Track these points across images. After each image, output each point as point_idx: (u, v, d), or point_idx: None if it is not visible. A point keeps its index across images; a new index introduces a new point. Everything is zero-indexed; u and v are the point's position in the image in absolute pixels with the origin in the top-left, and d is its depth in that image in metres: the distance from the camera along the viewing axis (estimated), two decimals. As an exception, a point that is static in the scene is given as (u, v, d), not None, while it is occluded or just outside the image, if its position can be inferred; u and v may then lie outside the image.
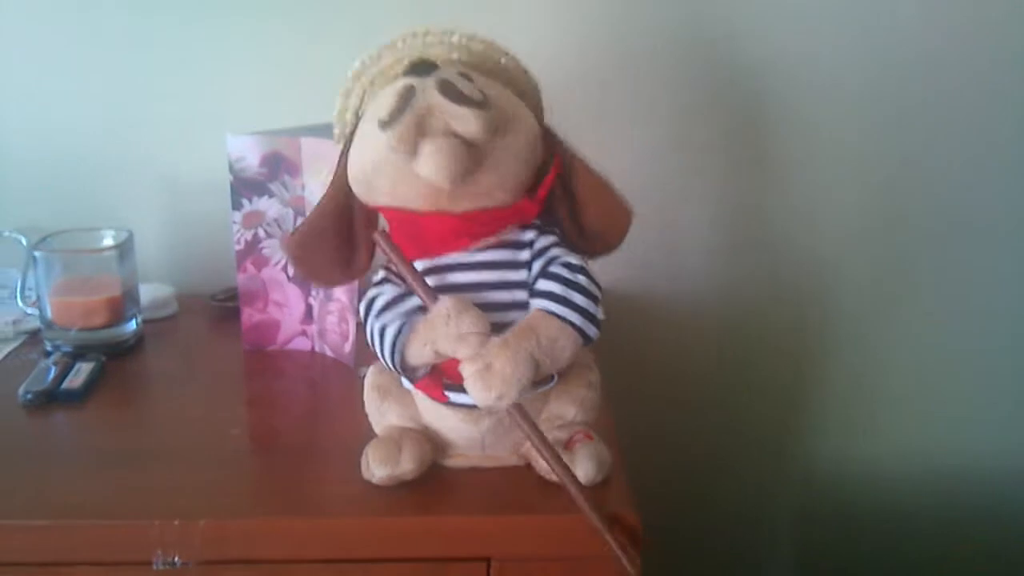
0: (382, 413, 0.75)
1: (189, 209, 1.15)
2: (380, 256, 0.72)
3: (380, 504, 0.69)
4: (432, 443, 0.73)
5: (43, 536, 0.67)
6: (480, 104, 0.65)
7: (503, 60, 0.73)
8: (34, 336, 1.01)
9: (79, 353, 0.93)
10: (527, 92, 0.75)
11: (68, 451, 0.79)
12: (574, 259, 0.70)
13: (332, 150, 0.88)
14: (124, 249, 0.97)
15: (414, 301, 0.69)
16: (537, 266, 0.71)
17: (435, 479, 0.72)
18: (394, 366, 0.69)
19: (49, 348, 0.96)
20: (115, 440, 0.80)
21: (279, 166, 0.92)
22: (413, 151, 0.65)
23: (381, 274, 0.72)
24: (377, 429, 0.75)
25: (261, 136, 0.92)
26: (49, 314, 0.96)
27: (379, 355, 0.70)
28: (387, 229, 0.72)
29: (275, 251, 0.96)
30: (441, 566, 0.69)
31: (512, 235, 0.71)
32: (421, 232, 0.70)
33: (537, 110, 0.75)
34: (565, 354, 0.68)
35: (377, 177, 0.69)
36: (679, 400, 1.25)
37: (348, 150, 0.72)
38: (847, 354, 1.25)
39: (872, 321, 1.23)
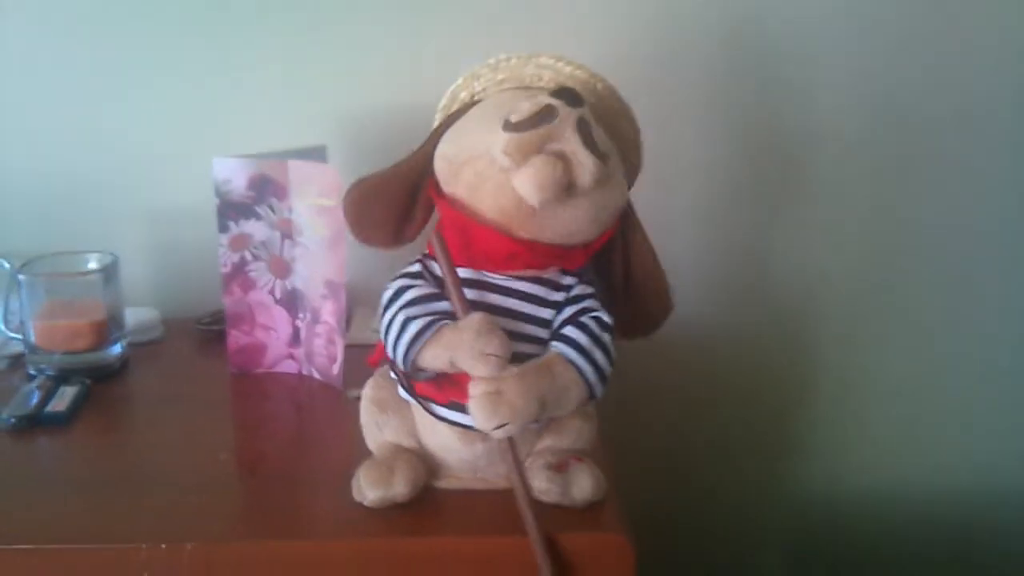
0: (379, 427, 0.74)
1: (175, 233, 1.15)
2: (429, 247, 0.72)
3: (372, 526, 0.69)
4: (425, 465, 0.73)
5: (28, 561, 0.66)
6: (605, 156, 0.66)
7: (625, 123, 0.75)
8: (18, 360, 1.00)
9: (63, 377, 0.92)
10: (630, 153, 0.76)
11: (52, 475, 0.78)
12: (606, 317, 0.71)
13: (319, 172, 0.89)
14: (109, 273, 0.97)
15: (445, 305, 0.69)
16: (568, 311, 0.71)
17: (427, 501, 0.71)
18: (404, 360, 0.68)
19: (33, 372, 0.95)
20: (100, 464, 0.80)
21: (266, 189, 0.92)
22: (517, 164, 0.65)
23: (417, 267, 0.72)
24: (372, 445, 0.75)
25: (248, 159, 0.92)
26: (33, 338, 0.95)
27: (391, 345, 0.69)
28: (438, 226, 0.72)
29: (262, 274, 0.95)
30: (432, 588, 0.68)
31: (553, 275, 0.72)
32: (473, 241, 0.70)
33: (630, 171, 0.77)
34: (570, 405, 0.69)
35: (466, 168, 0.68)
36: (669, 421, 1.25)
37: (447, 127, 0.72)
38: (839, 372, 1.25)
39: (863, 338, 1.24)
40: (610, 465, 0.75)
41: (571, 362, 0.68)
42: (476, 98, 0.74)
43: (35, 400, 0.87)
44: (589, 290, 0.72)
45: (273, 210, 0.93)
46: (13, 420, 0.84)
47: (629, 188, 0.76)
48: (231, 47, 1.11)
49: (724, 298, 1.22)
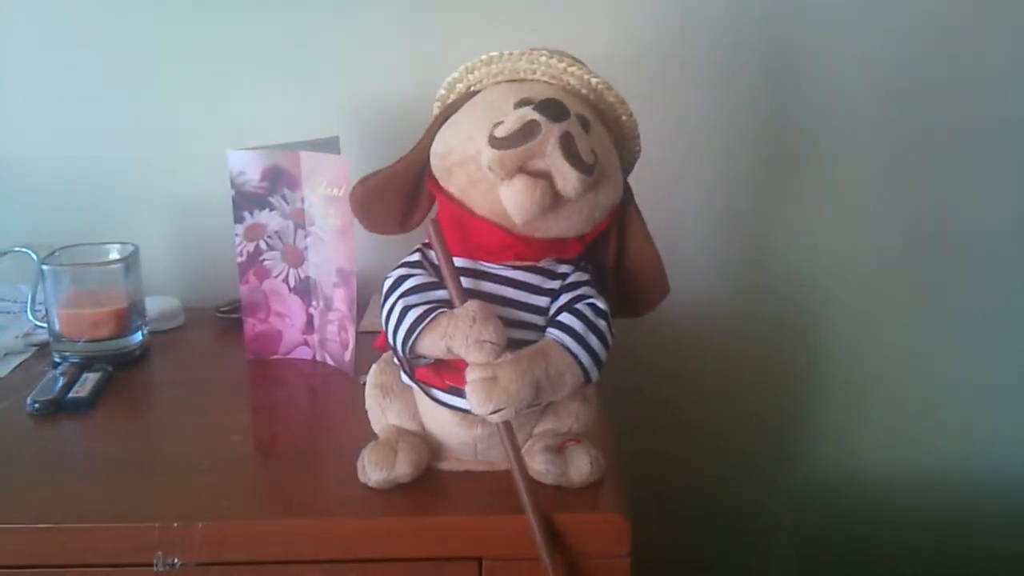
0: (383, 410, 0.76)
1: (195, 223, 1.18)
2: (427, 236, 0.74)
3: (375, 506, 0.71)
4: (427, 447, 0.75)
5: (45, 539, 0.69)
6: (589, 169, 0.67)
7: (624, 117, 0.75)
8: (44, 349, 1.03)
9: (86, 364, 0.96)
10: (627, 142, 0.77)
11: (73, 458, 0.81)
12: (601, 303, 0.72)
13: (330, 163, 0.91)
14: (130, 263, 1.00)
15: (443, 293, 0.71)
16: (564, 298, 0.72)
17: (429, 481, 0.73)
18: (403, 347, 0.70)
19: (57, 359, 0.98)
20: (119, 447, 0.82)
21: (279, 180, 0.95)
22: (504, 178, 0.67)
23: (416, 256, 0.74)
24: (376, 428, 0.77)
25: (261, 151, 0.94)
26: (57, 326, 0.98)
27: (390, 332, 0.71)
28: (437, 215, 0.74)
29: (276, 263, 0.98)
30: (434, 566, 0.70)
31: (549, 264, 0.73)
32: (469, 232, 0.71)
33: (629, 162, 0.78)
34: (566, 389, 0.70)
35: (458, 168, 0.70)
36: (676, 410, 1.26)
37: (444, 120, 0.74)
38: (843, 363, 1.26)
39: (868, 330, 1.24)
40: (610, 447, 0.77)
41: (566, 348, 0.70)
42: (473, 88, 0.75)
43: (59, 386, 0.90)
44: (584, 277, 0.74)
45: (286, 200, 0.95)
46: (37, 405, 0.87)
47: (628, 174, 0.77)
48: (249, 40, 1.14)
49: (732, 287, 1.23)
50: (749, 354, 1.25)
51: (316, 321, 0.99)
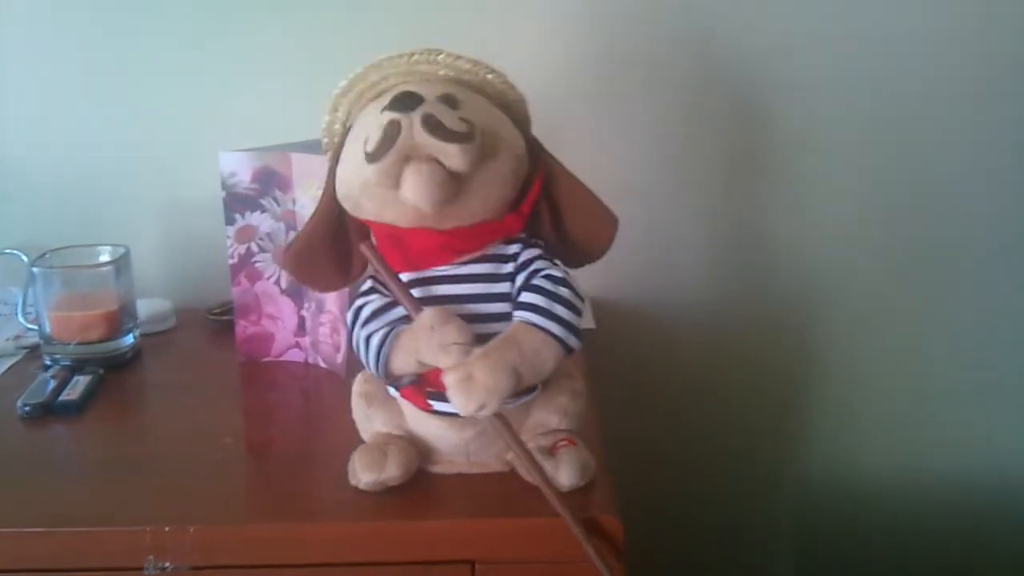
0: (368, 419, 0.76)
1: (186, 225, 1.17)
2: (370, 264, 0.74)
3: (366, 509, 0.71)
4: (417, 449, 0.74)
5: (35, 543, 0.69)
6: (465, 137, 0.66)
7: (489, 76, 0.73)
8: (34, 351, 1.03)
9: (77, 366, 0.95)
10: (513, 105, 0.75)
11: (64, 461, 0.81)
12: (557, 271, 0.72)
13: (322, 165, 0.91)
14: (120, 265, 0.99)
15: (400, 311, 0.71)
16: (521, 278, 0.72)
17: (420, 484, 0.73)
18: (379, 374, 0.70)
19: (48, 362, 0.98)
20: (110, 450, 0.82)
21: (270, 181, 0.94)
22: (396, 185, 0.67)
23: (368, 284, 0.74)
24: (364, 435, 0.77)
25: (252, 152, 0.94)
26: (48, 329, 0.98)
27: (365, 363, 0.71)
28: (375, 241, 0.74)
29: (268, 265, 0.98)
30: (426, 569, 0.70)
31: (497, 248, 0.73)
32: (406, 246, 0.71)
33: (523, 122, 0.76)
34: (547, 366, 0.69)
35: (363, 199, 0.70)
36: (671, 409, 1.26)
37: (337, 163, 0.73)
38: (839, 363, 1.25)
39: (864, 329, 1.24)
40: (603, 449, 0.77)
41: (533, 325, 0.69)
42: (349, 124, 0.75)
43: (49, 389, 0.90)
44: (535, 252, 0.73)
45: (278, 202, 0.95)
46: (28, 408, 0.87)
47: (528, 128, 0.76)
48: (241, 41, 1.14)
49: (726, 289, 1.22)
50: (744, 356, 1.25)
51: (308, 323, 0.99)
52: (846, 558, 1.34)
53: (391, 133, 0.66)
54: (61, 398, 0.89)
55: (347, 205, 0.73)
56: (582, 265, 0.76)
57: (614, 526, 0.69)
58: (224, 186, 0.94)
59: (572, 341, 0.70)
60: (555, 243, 0.75)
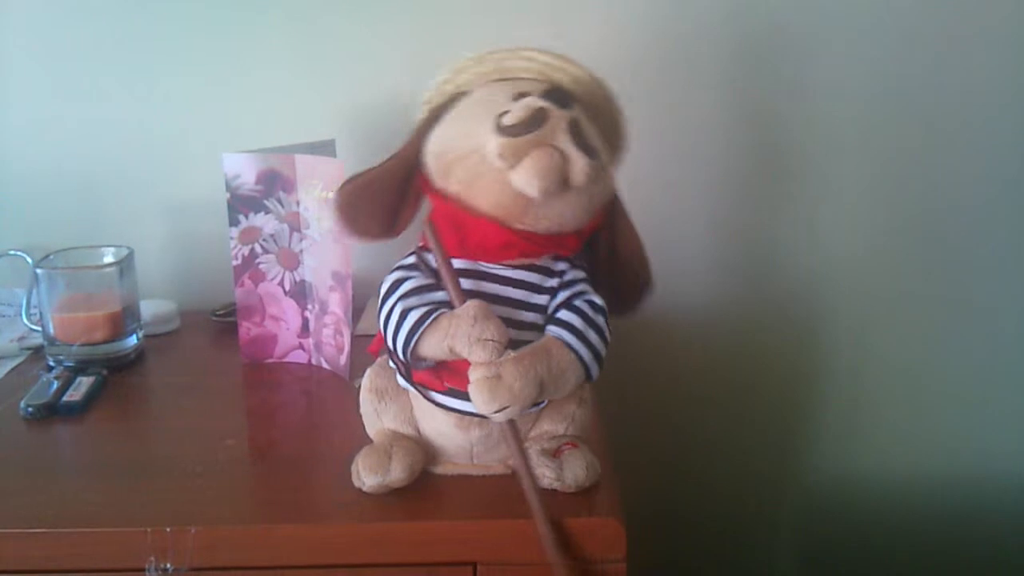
0: (378, 414, 0.76)
1: (190, 226, 1.18)
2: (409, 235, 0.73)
3: (369, 511, 0.71)
4: (422, 451, 0.74)
5: (38, 544, 0.69)
6: (597, 154, 0.68)
7: (614, 114, 0.75)
8: (38, 352, 1.03)
9: (80, 368, 0.95)
10: (617, 135, 0.77)
11: (66, 462, 0.81)
12: (598, 300, 0.72)
13: (325, 166, 0.91)
14: (124, 266, 0.99)
15: (442, 295, 0.70)
16: (562, 296, 0.72)
17: (424, 486, 0.73)
18: (404, 350, 0.69)
19: (51, 363, 0.98)
20: (113, 451, 0.82)
21: (274, 183, 0.94)
22: (511, 166, 0.67)
23: (412, 259, 0.73)
24: (371, 432, 0.77)
25: (256, 154, 0.94)
26: (51, 330, 0.98)
27: (390, 336, 0.70)
28: (431, 216, 0.73)
29: (272, 266, 0.98)
30: (428, 571, 0.70)
31: (546, 262, 0.73)
32: (466, 232, 0.71)
33: (615, 155, 0.78)
34: (568, 386, 0.70)
35: (458, 165, 0.70)
36: (672, 413, 1.26)
37: (434, 122, 0.73)
38: (845, 364, 1.25)
39: (870, 330, 1.24)
40: (607, 451, 0.77)
41: (567, 344, 0.69)
42: (460, 90, 0.75)
43: (52, 390, 0.90)
44: (581, 275, 0.73)
45: (281, 203, 0.95)
46: (31, 409, 0.87)
47: (615, 169, 0.77)
48: (245, 43, 1.14)
49: (729, 291, 1.22)
50: (747, 358, 1.24)
51: (311, 325, 0.99)
52: (847, 562, 1.33)
53: (538, 118, 0.66)
54: (64, 399, 0.89)
55: (433, 164, 0.72)
56: (611, 313, 0.76)
57: (617, 530, 0.69)
58: (228, 187, 0.94)
59: (595, 370, 0.70)
60: (603, 275, 0.76)
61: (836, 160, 1.17)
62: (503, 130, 0.67)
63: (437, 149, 0.72)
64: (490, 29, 1.12)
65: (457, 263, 0.71)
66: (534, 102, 0.67)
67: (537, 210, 0.69)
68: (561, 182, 0.67)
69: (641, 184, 1.16)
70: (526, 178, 0.66)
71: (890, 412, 1.27)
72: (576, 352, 0.69)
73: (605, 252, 0.76)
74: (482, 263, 0.72)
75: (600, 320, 0.71)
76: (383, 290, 0.72)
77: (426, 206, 0.74)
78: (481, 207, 0.70)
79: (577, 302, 0.72)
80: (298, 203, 0.95)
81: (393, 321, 0.70)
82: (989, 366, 1.24)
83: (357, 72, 1.14)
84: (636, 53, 1.13)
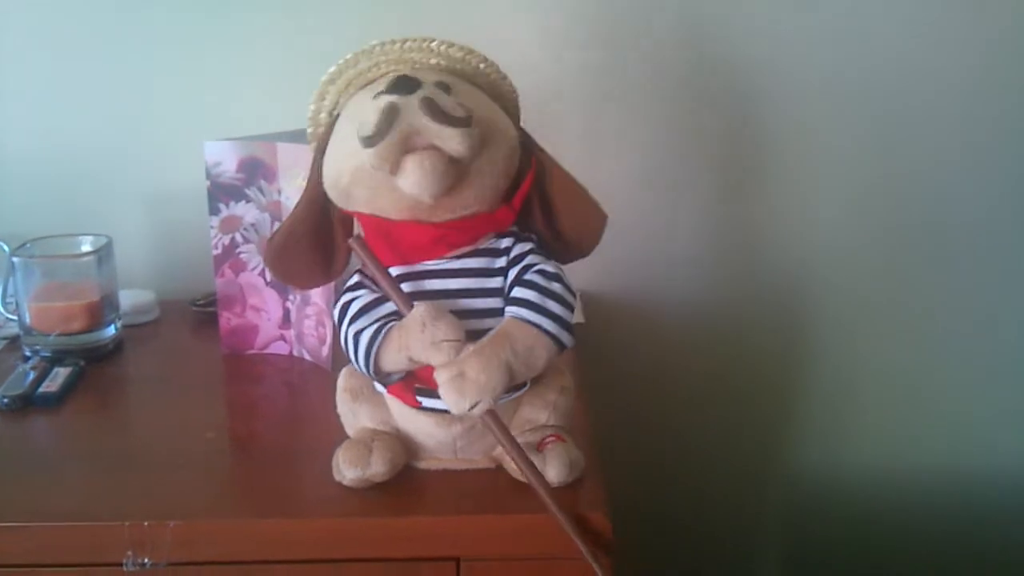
0: (354, 415, 0.75)
1: (170, 215, 1.16)
2: (356, 258, 0.72)
3: (351, 505, 0.70)
4: (403, 445, 0.73)
5: (12, 538, 0.68)
6: (464, 121, 0.65)
7: (482, 66, 0.73)
8: (14, 342, 1.01)
9: (57, 358, 0.94)
10: (505, 96, 0.75)
11: (42, 454, 0.80)
12: (550, 266, 0.71)
13: (308, 155, 0.90)
14: (103, 255, 0.98)
15: (389, 306, 0.70)
16: (513, 273, 0.71)
17: (406, 480, 0.72)
18: (368, 371, 0.69)
19: (28, 353, 0.96)
20: (90, 443, 0.81)
21: (256, 171, 0.93)
22: (394, 171, 0.65)
23: (355, 278, 0.72)
24: (349, 431, 0.76)
25: (238, 142, 0.93)
26: (28, 319, 0.96)
27: (353, 360, 0.70)
28: (362, 234, 0.72)
29: (252, 256, 0.96)
30: (411, 566, 0.69)
31: (489, 242, 0.72)
32: (397, 239, 0.70)
33: (514, 114, 0.75)
34: (540, 362, 0.68)
35: (355, 187, 0.69)
36: (660, 405, 1.25)
37: (323, 153, 0.72)
38: (834, 359, 1.25)
39: (859, 326, 1.23)
40: (592, 444, 0.76)
41: (526, 321, 0.68)
42: (336, 112, 0.73)
43: (29, 380, 0.88)
44: (528, 246, 0.72)
45: (263, 192, 0.94)
46: (6, 400, 0.85)
47: (518, 121, 0.75)
48: (226, 31, 1.12)
49: (718, 286, 1.21)
50: (734, 351, 1.24)
51: (293, 316, 0.98)
52: (833, 558, 1.33)
53: (390, 116, 0.65)
54: (40, 390, 0.87)
55: (334, 195, 0.71)
56: (571, 261, 0.75)
57: (602, 523, 0.68)
58: (209, 175, 0.93)
59: (565, 337, 0.69)
60: (547, 238, 0.74)
61: (829, 159, 1.17)
62: (366, 142, 0.65)
63: (331, 179, 0.71)
64: (474, 16, 1.11)
65: (396, 270, 0.70)
66: (380, 101, 0.66)
67: (446, 199, 0.67)
68: (449, 177, 0.66)
69: (628, 177, 1.17)
70: (413, 190, 0.66)
71: (879, 410, 1.26)
72: (538, 326, 0.68)
73: (539, 208, 0.73)
74: (422, 263, 0.70)
75: (556, 287, 0.69)
76: (335, 316, 0.72)
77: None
78: (394, 215, 0.69)
79: (528, 275, 0.70)
80: (279, 192, 0.93)
81: (350, 346, 0.70)
82: (979, 364, 1.24)
83: (335, 60, 1.12)
84: (623, 50, 1.12)
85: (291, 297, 0.97)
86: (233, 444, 0.82)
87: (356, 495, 0.71)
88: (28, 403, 0.86)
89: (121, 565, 0.67)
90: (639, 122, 1.15)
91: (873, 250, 1.20)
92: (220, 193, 0.94)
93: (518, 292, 0.69)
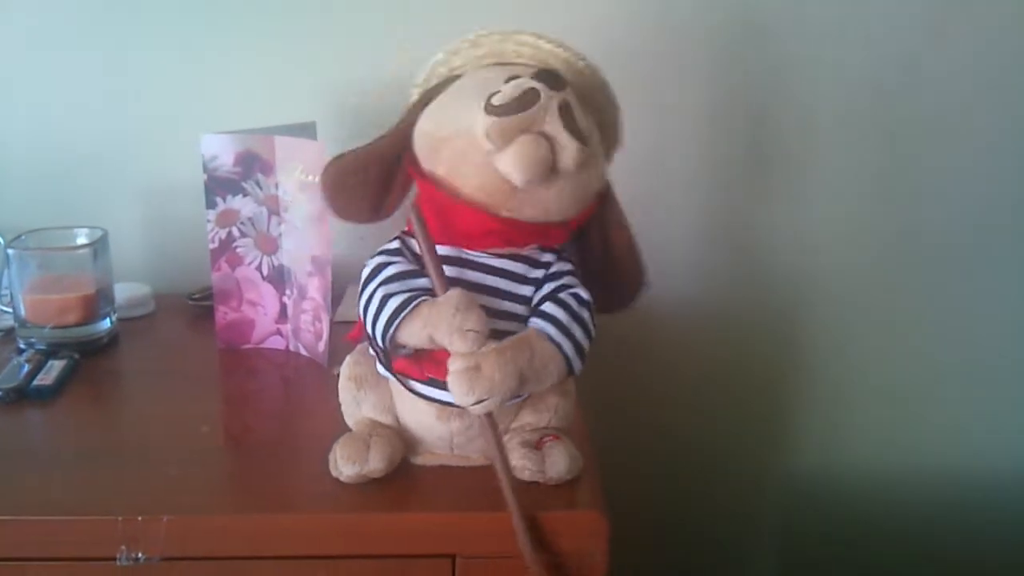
0: (357, 403, 0.74)
1: (166, 208, 1.15)
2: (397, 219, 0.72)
3: (347, 501, 0.69)
4: (402, 440, 0.73)
5: (5, 531, 0.67)
6: (587, 140, 0.66)
7: (608, 105, 0.74)
8: (9, 334, 1.00)
9: (52, 351, 0.93)
10: (609, 137, 0.76)
11: (36, 448, 0.79)
12: (584, 294, 0.71)
13: (305, 148, 0.89)
14: (98, 248, 0.97)
15: (424, 282, 0.69)
16: (548, 288, 0.71)
17: (403, 476, 0.72)
18: (383, 336, 0.67)
19: (22, 346, 0.96)
20: (84, 437, 0.80)
21: (253, 165, 0.92)
22: (500, 148, 0.65)
23: (396, 244, 0.72)
24: (350, 421, 0.75)
25: (235, 135, 0.92)
26: (23, 312, 0.96)
27: (370, 321, 0.69)
28: (417, 201, 0.71)
29: (249, 250, 0.96)
30: (407, 563, 0.69)
31: (532, 252, 0.72)
32: (452, 219, 0.69)
33: (609, 149, 0.77)
34: (550, 380, 0.68)
35: (448, 143, 0.68)
36: (662, 407, 1.25)
37: (425, 103, 0.72)
38: (831, 362, 1.25)
39: (857, 329, 1.23)
40: (589, 444, 0.76)
41: (549, 338, 0.68)
42: (454, 72, 0.73)
43: (23, 373, 0.88)
44: (568, 267, 0.72)
45: (260, 186, 0.93)
46: (0, 393, 0.85)
47: (608, 164, 0.76)
48: (223, 23, 1.11)
49: (715, 287, 1.21)
50: (732, 354, 1.24)
51: (290, 310, 0.97)
52: (830, 559, 1.33)
53: (528, 99, 0.65)
54: (35, 383, 0.87)
55: (421, 143, 0.71)
56: (601, 310, 0.74)
57: (600, 523, 0.68)
58: (206, 169, 0.93)
59: (577, 365, 0.69)
60: (595, 270, 0.75)
61: (827, 160, 1.17)
62: (492, 110, 0.65)
63: (427, 128, 0.70)
64: (472, 11, 1.10)
65: (441, 249, 0.70)
66: (525, 82, 0.66)
67: (522, 196, 0.67)
68: (548, 171, 0.66)
69: (626, 176, 1.16)
70: (512, 166, 0.65)
71: (875, 411, 1.26)
72: (559, 346, 0.68)
73: (598, 247, 0.75)
74: (466, 250, 0.70)
75: (585, 315, 0.70)
76: (364, 274, 0.71)
77: (413, 191, 0.73)
78: (465, 191, 0.68)
79: (563, 295, 0.70)
80: (277, 186, 0.93)
81: (373, 306, 0.68)
82: (974, 367, 1.24)
83: (338, 54, 1.12)
84: (623, 46, 1.12)
85: (288, 292, 0.97)
86: (228, 439, 0.82)
87: (352, 491, 0.70)
88: (22, 396, 0.85)
89: (115, 559, 0.67)
90: (639, 122, 1.14)
91: (871, 254, 1.20)
92: (217, 187, 0.93)
93: (549, 308, 0.69)
